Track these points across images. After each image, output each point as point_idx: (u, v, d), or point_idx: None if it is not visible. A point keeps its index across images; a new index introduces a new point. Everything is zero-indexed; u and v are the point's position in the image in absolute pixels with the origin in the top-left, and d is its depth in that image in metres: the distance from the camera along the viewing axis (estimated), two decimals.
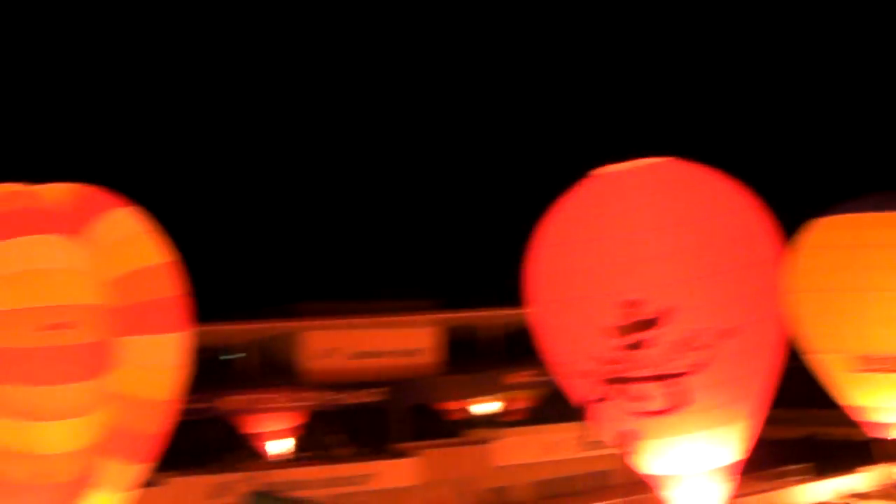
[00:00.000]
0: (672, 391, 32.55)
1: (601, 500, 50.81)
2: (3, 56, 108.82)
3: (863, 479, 51.81)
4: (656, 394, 32.81)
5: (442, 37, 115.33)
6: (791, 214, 36.19)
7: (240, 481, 47.07)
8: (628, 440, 34.24)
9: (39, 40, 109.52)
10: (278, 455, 56.31)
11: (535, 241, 35.98)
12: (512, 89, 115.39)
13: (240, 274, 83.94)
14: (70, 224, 29.50)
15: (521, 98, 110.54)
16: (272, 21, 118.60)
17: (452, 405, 63.17)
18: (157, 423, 31.25)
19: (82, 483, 29.25)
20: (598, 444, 46.84)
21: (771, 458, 48.37)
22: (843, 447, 54.38)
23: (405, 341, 59.95)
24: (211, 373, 50.81)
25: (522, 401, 64.82)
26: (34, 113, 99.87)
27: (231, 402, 53.93)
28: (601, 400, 34.09)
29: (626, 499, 48.17)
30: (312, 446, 57.10)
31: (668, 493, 34.91)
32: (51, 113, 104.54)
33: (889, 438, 38.93)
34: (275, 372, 58.00)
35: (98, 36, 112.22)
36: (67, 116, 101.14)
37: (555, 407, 50.18)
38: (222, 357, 61.07)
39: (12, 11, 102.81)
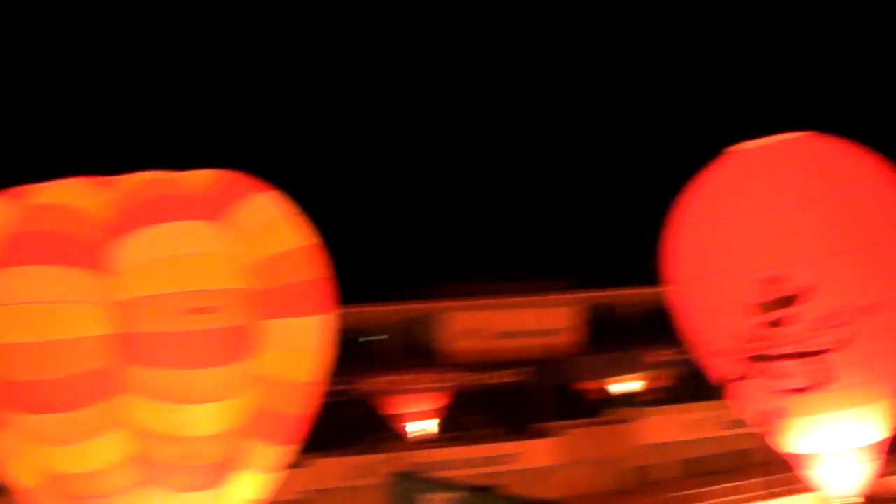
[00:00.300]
0: (814, 369, 32.24)
1: (742, 479, 50.52)
2: (141, 48, 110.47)
3: None
4: (798, 371, 32.52)
5: (569, 21, 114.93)
6: None
7: (382, 462, 47.45)
8: (770, 419, 33.99)
9: (170, 35, 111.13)
10: (420, 436, 56.71)
11: (674, 219, 35.83)
12: (650, 67, 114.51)
13: (381, 256, 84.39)
14: (212, 209, 29.83)
15: (658, 75, 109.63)
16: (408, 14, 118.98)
17: (592, 385, 63.14)
18: (301, 406, 31.53)
19: (228, 465, 29.73)
20: (738, 423, 46.49)
21: None
22: None
23: (546, 321, 59.95)
24: (353, 355, 51.16)
25: (662, 380, 64.56)
26: (175, 102, 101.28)
27: (373, 383, 54.40)
28: (742, 378, 33.88)
29: (767, 478, 47.82)
30: (455, 427, 57.42)
31: (811, 472, 34.60)
32: (192, 101, 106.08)
33: None
34: (417, 353, 58.36)
35: (232, 28, 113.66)
36: (210, 104, 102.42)
37: (695, 386, 49.98)
38: (364, 339, 61.55)
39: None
